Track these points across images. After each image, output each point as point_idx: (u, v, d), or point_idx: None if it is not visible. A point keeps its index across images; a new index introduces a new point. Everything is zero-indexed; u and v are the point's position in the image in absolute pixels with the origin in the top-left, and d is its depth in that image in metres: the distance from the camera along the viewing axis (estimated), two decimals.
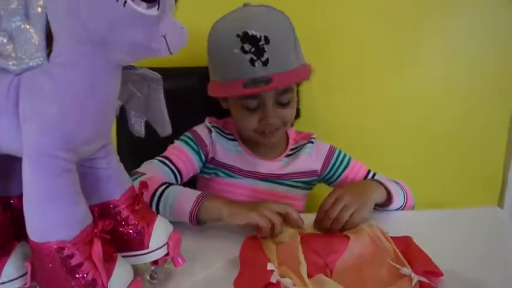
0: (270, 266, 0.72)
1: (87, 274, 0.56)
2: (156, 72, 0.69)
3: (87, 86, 0.56)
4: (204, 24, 1.02)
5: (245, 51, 0.95)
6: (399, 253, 0.78)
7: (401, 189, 1.02)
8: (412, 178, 1.08)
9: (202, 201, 0.87)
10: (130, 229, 0.67)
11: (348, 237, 0.83)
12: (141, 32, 0.54)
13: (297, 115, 1.15)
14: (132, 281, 0.61)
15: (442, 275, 0.73)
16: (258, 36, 0.94)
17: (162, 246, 0.69)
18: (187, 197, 0.88)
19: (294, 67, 1.00)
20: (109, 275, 0.57)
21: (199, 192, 0.89)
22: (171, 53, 0.57)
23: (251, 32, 0.95)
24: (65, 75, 0.56)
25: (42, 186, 0.55)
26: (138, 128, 0.74)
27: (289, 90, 1.02)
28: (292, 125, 1.19)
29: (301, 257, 0.75)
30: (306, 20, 1.09)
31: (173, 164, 1.04)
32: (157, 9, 0.54)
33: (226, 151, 1.12)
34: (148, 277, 0.71)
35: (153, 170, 0.99)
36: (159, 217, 0.71)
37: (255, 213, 0.83)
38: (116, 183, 0.68)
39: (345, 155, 1.17)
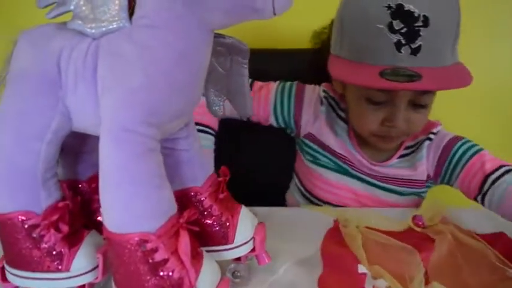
0: (361, 269, 0.66)
1: (172, 272, 0.47)
2: (244, 43, 0.60)
3: (177, 52, 0.47)
4: None
5: (393, 30, 0.72)
6: (497, 253, 0.70)
7: None
8: None
9: None
10: (214, 221, 0.59)
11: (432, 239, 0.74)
12: None
13: None
14: (220, 280, 0.52)
15: None
16: (416, 15, 0.72)
17: (248, 241, 0.61)
18: None
19: (447, 65, 0.76)
20: (197, 273, 0.49)
21: None
22: (275, 14, 0.48)
23: (408, 6, 0.72)
24: (151, 39, 0.47)
25: (123, 166, 0.47)
26: (217, 108, 0.65)
27: (432, 92, 0.80)
28: None
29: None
30: None
31: None
32: None
33: (332, 133, 0.93)
34: (230, 275, 0.62)
35: None
36: (243, 208, 0.63)
37: None
38: (198, 167, 0.59)
39: (471, 146, 0.86)
